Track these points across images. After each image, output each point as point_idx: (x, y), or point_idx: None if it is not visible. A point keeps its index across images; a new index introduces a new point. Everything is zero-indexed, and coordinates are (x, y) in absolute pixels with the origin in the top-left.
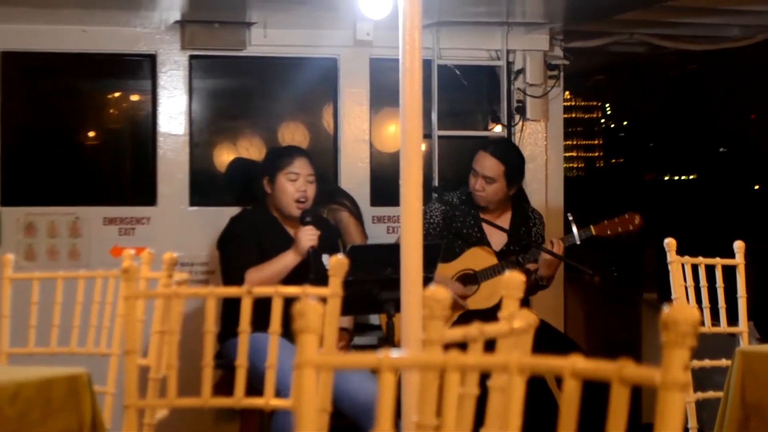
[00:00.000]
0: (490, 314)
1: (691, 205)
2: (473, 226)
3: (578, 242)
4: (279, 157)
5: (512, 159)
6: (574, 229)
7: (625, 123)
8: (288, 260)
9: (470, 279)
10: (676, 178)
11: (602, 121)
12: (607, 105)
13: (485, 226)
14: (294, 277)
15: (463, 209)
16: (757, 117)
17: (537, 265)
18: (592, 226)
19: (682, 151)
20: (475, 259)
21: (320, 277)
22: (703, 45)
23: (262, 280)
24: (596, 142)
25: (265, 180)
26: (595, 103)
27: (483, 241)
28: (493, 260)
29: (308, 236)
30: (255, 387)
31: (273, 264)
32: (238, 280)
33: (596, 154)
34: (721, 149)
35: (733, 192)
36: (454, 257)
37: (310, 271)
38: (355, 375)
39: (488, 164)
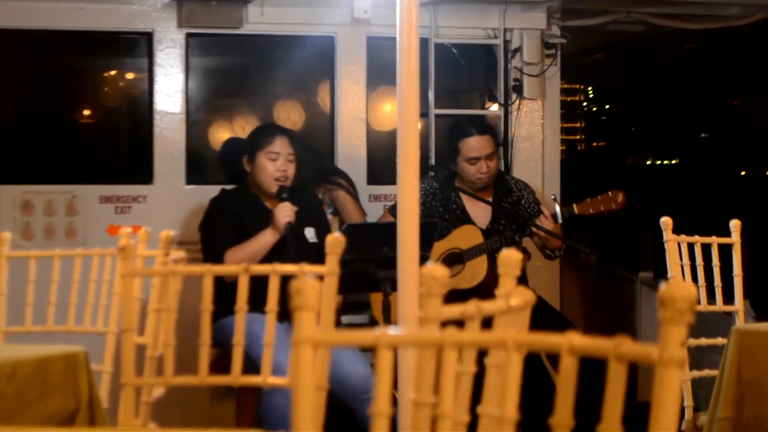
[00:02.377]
0: (472, 294)
1: (679, 190)
2: (455, 210)
3: (560, 221)
4: (259, 135)
5: (491, 127)
6: (557, 207)
7: (607, 107)
8: (266, 238)
9: (456, 258)
10: (658, 162)
11: (584, 104)
12: (590, 88)
13: (468, 203)
14: (274, 255)
15: (445, 194)
16: (740, 102)
17: (541, 239)
18: (574, 205)
19: (664, 135)
20: (463, 237)
21: (302, 252)
22: (701, 24)
23: (242, 260)
24: (578, 125)
25: (245, 159)
26: (577, 86)
27: (467, 221)
28: (479, 239)
29: (285, 212)
30: (246, 366)
31: (252, 243)
32: (217, 262)
33: (578, 137)
34: (702, 135)
35: (720, 176)
36: (441, 237)
37: (288, 248)
38: (346, 357)
39: (483, 143)
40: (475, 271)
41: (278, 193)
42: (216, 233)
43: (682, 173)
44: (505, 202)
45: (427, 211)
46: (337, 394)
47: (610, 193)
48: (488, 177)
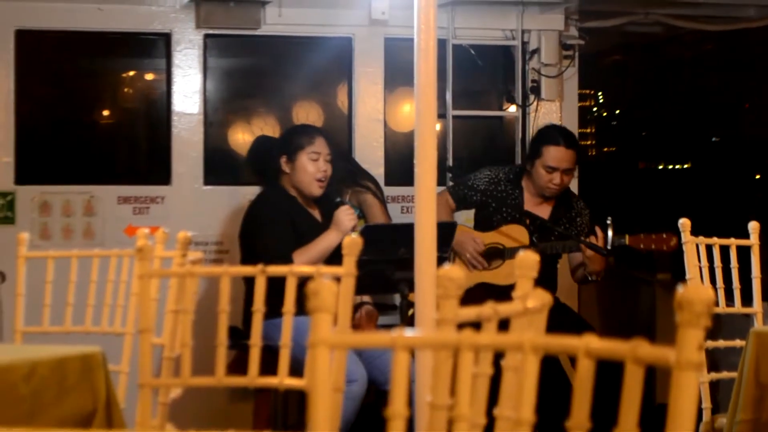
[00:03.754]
0: (504, 292)
1: (693, 194)
2: (512, 209)
3: (609, 246)
4: (299, 135)
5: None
6: (610, 232)
7: (617, 111)
8: (331, 240)
9: (498, 253)
10: (670, 167)
11: (594, 109)
12: (600, 93)
13: (528, 205)
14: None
15: (507, 190)
16: (752, 105)
17: (583, 258)
18: (627, 236)
19: (675, 140)
20: (510, 235)
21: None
22: (719, 25)
23: (309, 263)
24: (588, 130)
25: (283, 159)
26: (588, 92)
27: (521, 221)
28: (525, 241)
29: (349, 216)
30: (296, 370)
31: (317, 245)
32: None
33: (589, 142)
34: (714, 138)
35: (734, 180)
36: (490, 228)
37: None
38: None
39: (566, 156)
40: (514, 270)
41: (331, 198)
42: (276, 237)
43: (695, 177)
44: (563, 217)
45: (482, 197)
46: (380, 382)
47: (664, 234)
48: (558, 190)
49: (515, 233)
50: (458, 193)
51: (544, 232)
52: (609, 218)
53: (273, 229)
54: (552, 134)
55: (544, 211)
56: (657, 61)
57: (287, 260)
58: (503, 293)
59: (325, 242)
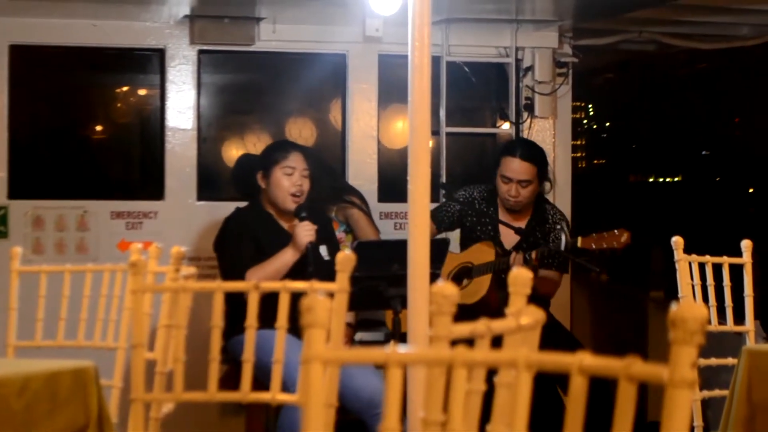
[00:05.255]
0: (471, 310)
1: (684, 207)
2: (488, 224)
3: (561, 248)
4: (274, 151)
5: (541, 157)
6: (563, 235)
7: (607, 124)
8: (287, 257)
9: (466, 273)
10: (661, 180)
11: (584, 121)
12: (590, 106)
13: (500, 225)
14: (292, 272)
15: (481, 208)
16: (741, 120)
17: (544, 273)
18: (579, 237)
19: (665, 153)
20: (478, 253)
21: (319, 270)
22: (713, 44)
23: (263, 280)
24: (579, 142)
25: (259, 175)
26: (578, 104)
27: (495, 240)
28: (491, 257)
29: (306, 231)
30: (263, 383)
31: (273, 262)
32: (238, 281)
33: (578, 154)
34: (703, 152)
35: (725, 194)
36: (464, 249)
37: (308, 265)
38: (360, 371)
39: (521, 168)
40: (478, 287)
41: (297, 212)
42: (234, 253)
43: (686, 191)
44: (538, 231)
45: (459, 216)
46: (350, 407)
47: (616, 231)
48: (515, 202)
49: (482, 250)
50: (437, 216)
51: (526, 244)
52: (563, 223)
53: (232, 245)
54: (511, 146)
55: (520, 224)
56: (649, 77)
57: (242, 277)
58: (467, 313)
59: (281, 259)
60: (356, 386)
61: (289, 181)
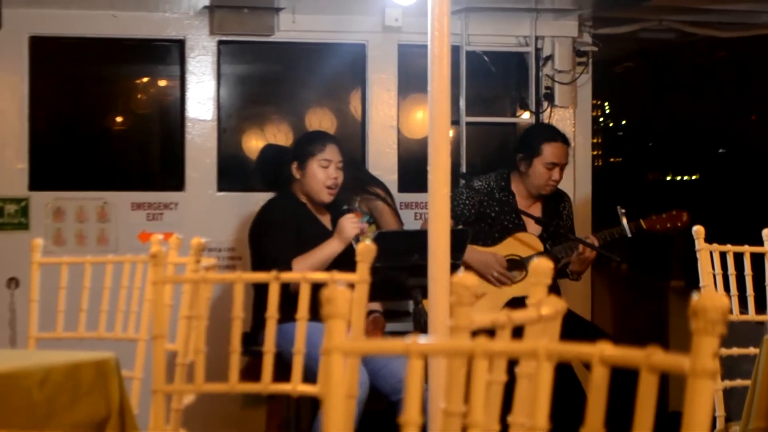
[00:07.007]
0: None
1: (704, 205)
2: (511, 213)
3: (629, 235)
4: (311, 142)
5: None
6: (624, 221)
7: (623, 122)
8: (333, 248)
9: (517, 264)
10: (678, 178)
11: (600, 120)
12: (606, 103)
13: (522, 208)
14: (334, 265)
15: (501, 197)
16: (758, 116)
17: (569, 258)
18: (642, 220)
19: (682, 151)
20: (522, 245)
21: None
22: (733, 32)
23: (309, 269)
24: (595, 140)
25: (294, 165)
26: (595, 102)
27: (523, 229)
28: (539, 247)
29: (353, 224)
30: (307, 376)
31: (318, 252)
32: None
33: (595, 152)
34: (720, 150)
35: (744, 191)
36: (491, 240)
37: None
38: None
39: (564, 152)
40: None
41: (338, 206)
42: (278, 241)
43: (704, 188)
44: (553, 212)
45: (480, 208)
46: (386, 390)
47: (674, 212)
48: (555, 186)
49: (527, 240)
50: (453, 210)
51: (552, 235)
52: (620, 207)
53: (276, 234)
54: (550, 132)
55: (536, 211)
56: (666, 70)
57: (287, 266)
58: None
59: (327, 250)
60: (394, 368)
61: (325, 174)
